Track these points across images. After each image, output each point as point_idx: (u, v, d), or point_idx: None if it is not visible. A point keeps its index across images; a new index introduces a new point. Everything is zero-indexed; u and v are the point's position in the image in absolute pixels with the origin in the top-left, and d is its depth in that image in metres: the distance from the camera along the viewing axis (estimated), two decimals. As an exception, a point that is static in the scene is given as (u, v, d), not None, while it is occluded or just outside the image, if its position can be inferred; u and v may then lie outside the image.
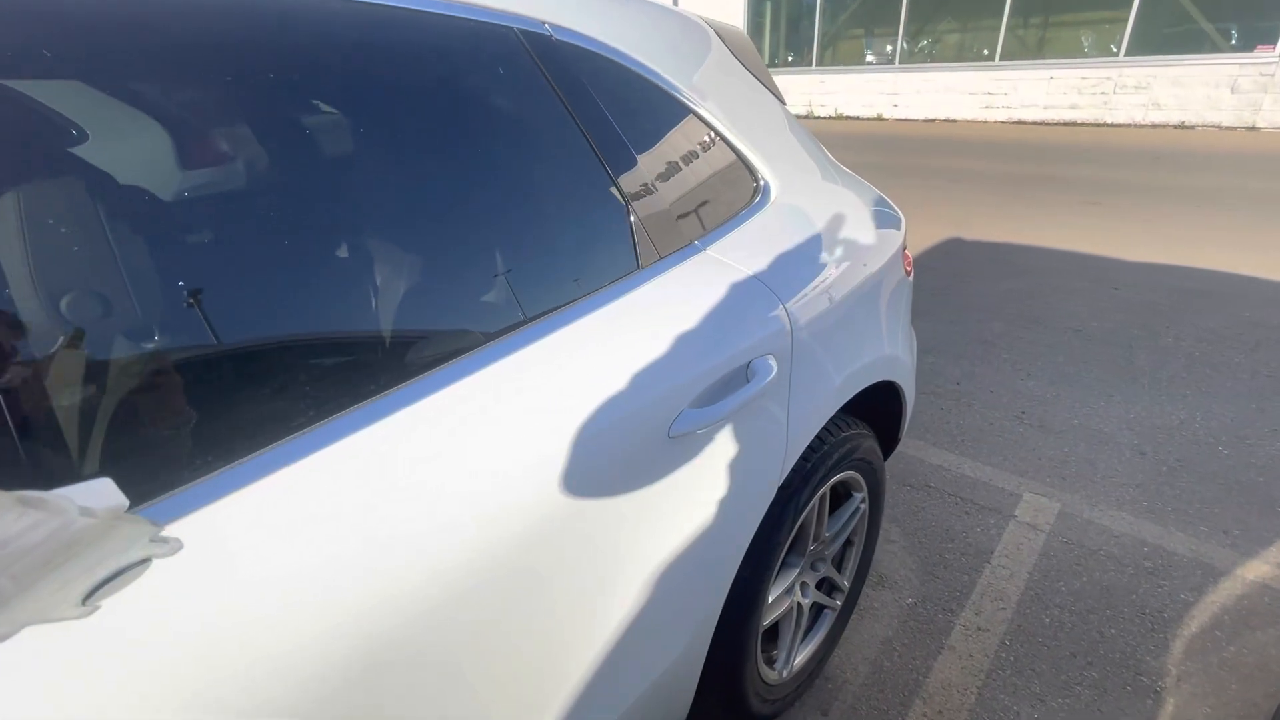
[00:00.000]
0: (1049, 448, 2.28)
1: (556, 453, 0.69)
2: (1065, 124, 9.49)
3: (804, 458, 1.11)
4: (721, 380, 0.85)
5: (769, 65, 12.53)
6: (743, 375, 0.89)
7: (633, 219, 0.85)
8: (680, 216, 0.93)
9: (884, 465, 1.48)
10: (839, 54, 12.01)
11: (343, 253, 0.63)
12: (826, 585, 1.45)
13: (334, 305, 0.60)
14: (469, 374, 0.66)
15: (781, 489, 1.04)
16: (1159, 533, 1.86)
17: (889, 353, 1.27)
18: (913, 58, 11.10)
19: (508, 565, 0.66)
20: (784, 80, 12.28)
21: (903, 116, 11.19)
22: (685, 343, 0.82)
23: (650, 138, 0.95)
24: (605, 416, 0.74)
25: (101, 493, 0.27)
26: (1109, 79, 9.06)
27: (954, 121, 10.58)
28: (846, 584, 1.49)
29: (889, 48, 11.22)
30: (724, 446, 0.87)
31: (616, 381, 0.76)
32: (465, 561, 0.62)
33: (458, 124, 0.72)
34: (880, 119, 11.37)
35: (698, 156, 1.02)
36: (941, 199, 5.65)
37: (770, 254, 1.02)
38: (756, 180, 1.11)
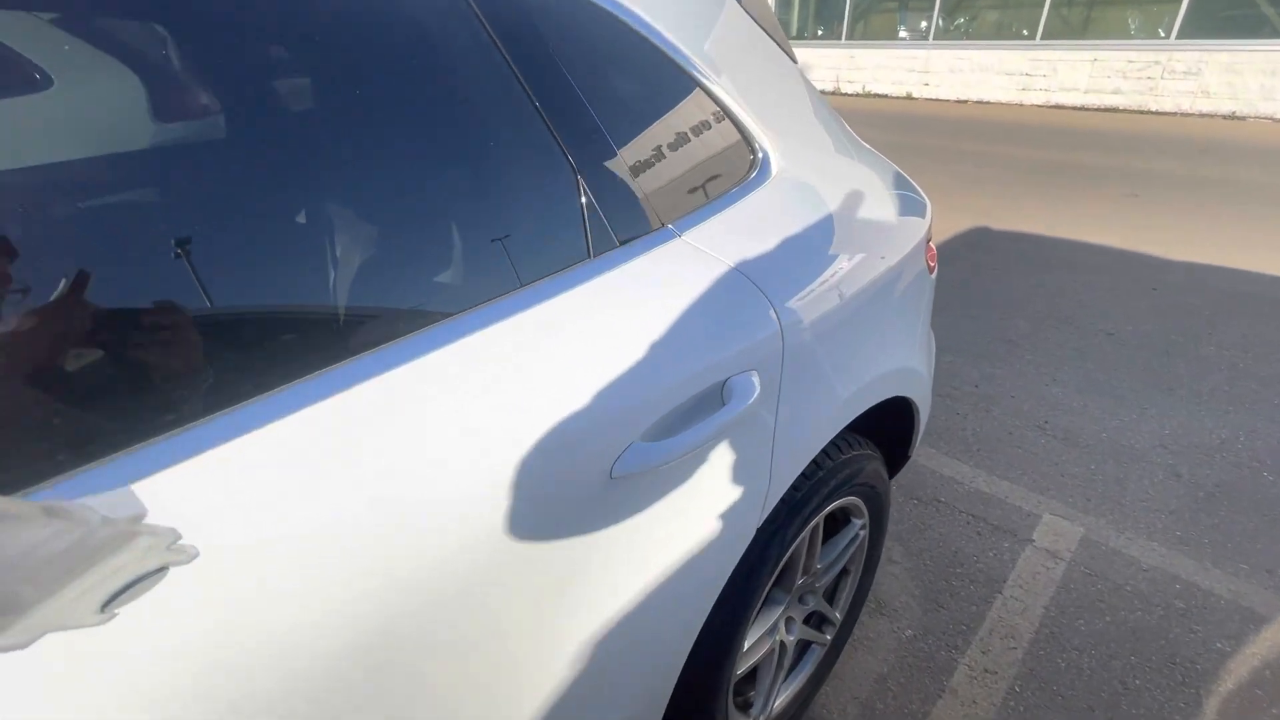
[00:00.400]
0: (1073, 463, 2.09)
1: (455, 491, 0.53)
2: (1106, 110, 9.01)
3: (794, 486, 0.94)
4: (687, 404, 0.68)
5: (797, 38, 12.05)
6: (716, 397, 0.71)
7: (585, 196, 0.67)
8: (651, 193, 0.75)
9: (889, 487, 1.30)
10: (871, 28, 11.47)
11: (200, 229, 0.46)
12: (816, 618, 1.29)
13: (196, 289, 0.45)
14: (350, 386, 0.50)
15: (765, 525, 0.87)
16: (1193, 568, 1.68)
17: (904, 364, 1.09)
18: (948, 34, 10.56)
19: (388, 635, 0.50)
20: (812, 54, 11.78)
21: (933, 96, 10.71)
22: (643, 355, 0.65)
23: (619, 95, 0.76)
24: (523, 448, 0.57)
25: (122, 501, 0.27)
26: (1157, 63, 8.54)
27: (986, 104, 10.09)
28: (839, 617, 1.32)
29: (923, 23, 10.68)
30: (686, 487, 0.70)
31: (543, 403, 0.58)
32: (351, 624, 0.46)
33: (344, 69, 0.54)
34: (909, 98, 10.90)
35: (681, 120, 0.83)
36: (969, 185, 5.35)
37: (764, 242, 0.83)
38: (754, 152, 0.92)
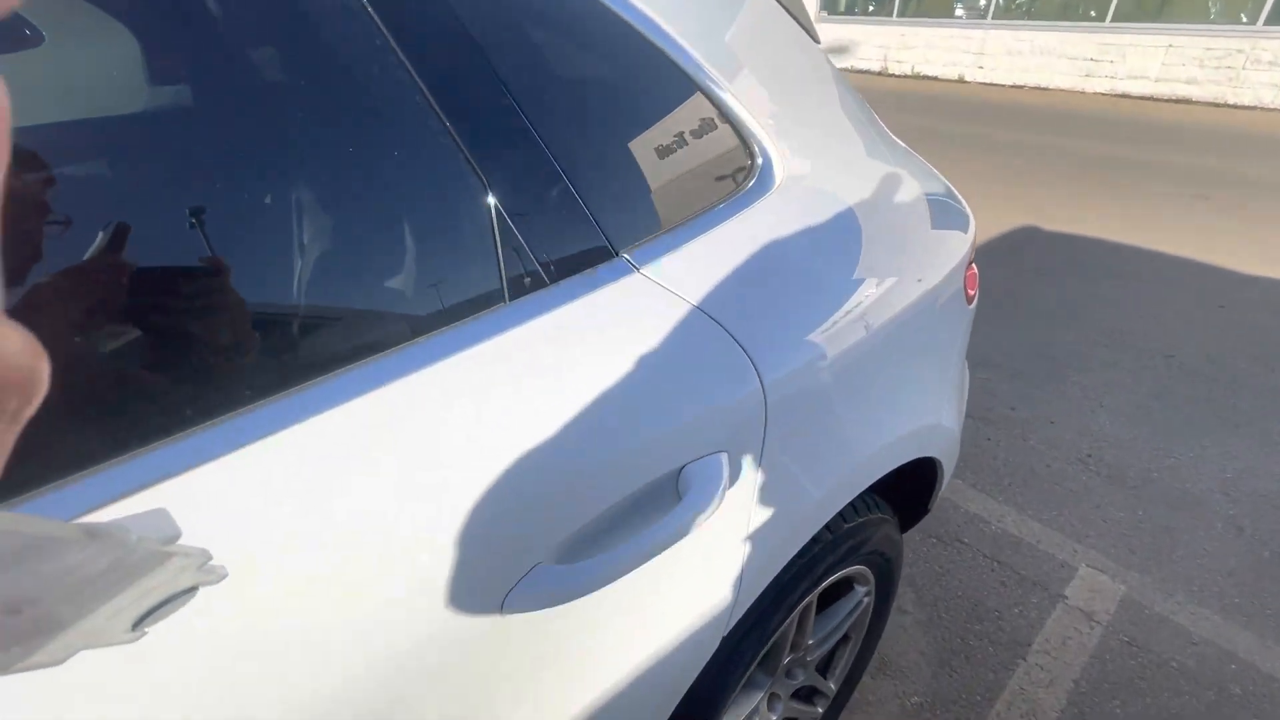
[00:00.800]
0: (1118, 506, 1.86)
1: (294, 631, 0.38)
2: (1178, 101, 8.35)
3: (783, 569, 0.77)
4: (621, 507, 0.51)
5: (846, 14, 11.47)
6: (666, 492, 0.54)
7: (499, 221, 0.50)
8: (603, 214, 0.57)
9: (902, 548, 1.12)
10: (925, 4, 10.82)
11: None
12: (806, 690, 1.13)
13: None
14: (156, 481, 0.35)
15: (735, 629, 0.70)
16: (1253, 645, 1.46)
17: (931, 421, 0.90)
18: (1008, 13, 9.90)
19: None
20: (861, 31, 11.20)
21: (988, 80, 10.09)
22: (560, 438, 0.48)
23: (567, 87, 0.58)
24: (372, 571, 0.41)
25: (157, 522, 0.27)
26: (1240, 51, 7.85)
27: (1045, 90, 9.47)
28: (834, 688, 1.16)
29: (983, 0, 10.03)
30: (618, 613, 0.53)
31: (407, 505, 0.43)
32: None
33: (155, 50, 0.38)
34: (961, 81, 10.29)
35: (658, 118, 0.65)
36: (1019, 179, 4.98)
37: (751, 274, 0.65)
38: (752, 157, 0.73)
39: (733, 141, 0.71)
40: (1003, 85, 9.91)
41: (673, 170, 0.66)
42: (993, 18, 9.97)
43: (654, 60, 0.64)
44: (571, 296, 0.53)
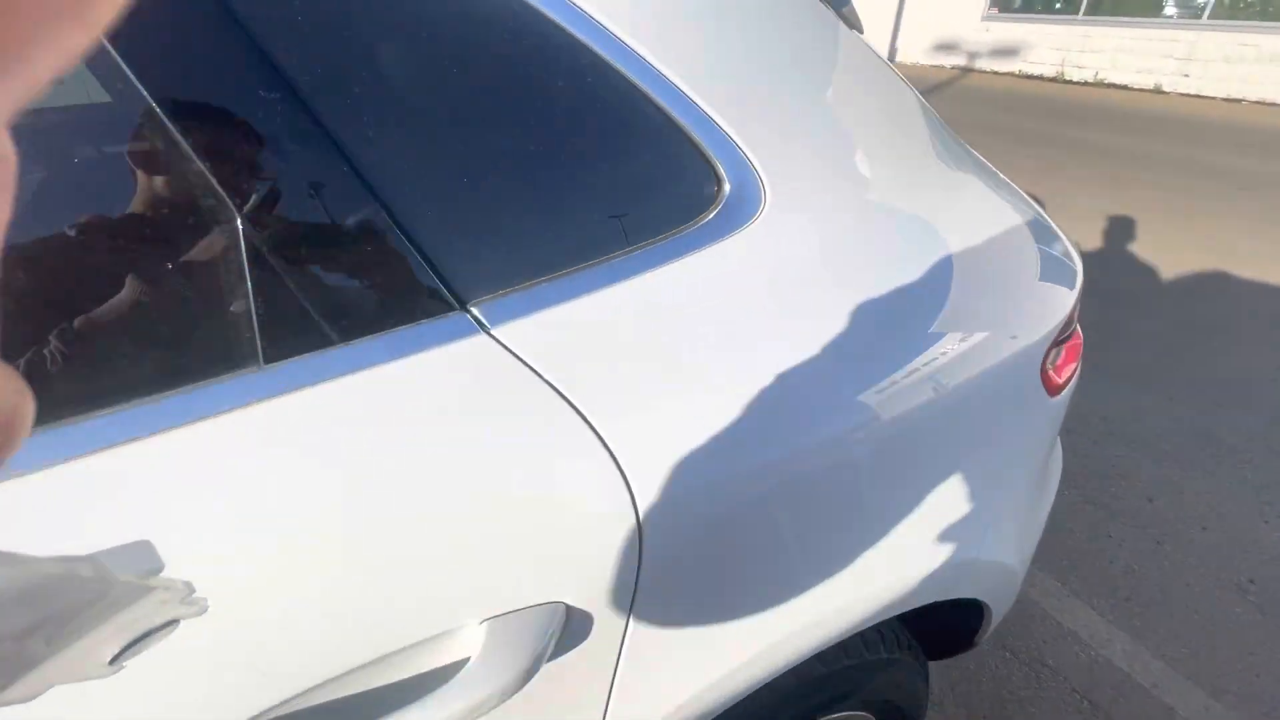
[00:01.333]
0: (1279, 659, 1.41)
1: None
2: None
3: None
4: (367, 675, 0.36)
5: (1023, 11, 10.24)
6: (453, 655, 0.38)
7: (250, 255, 0.36)
8: (441, 248, 0.42)
9: (926, 689, 0.87)
10: (1124, 1, 9.37)
11: None
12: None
13: None
14: None
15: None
16: None
17: (973, 556, 0.65)
18: (1234, 12, 8.31)
19: None
20: (1035, 31, 9.95)
21: (1192, 91, 8.55)
22: (292, 567, 0.34)
23: (396, 66, 0.43)
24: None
25: (140, 555, 0.28)
26: None
27: (1271, 105, 7.85)
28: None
29: (1199, -3, 8.51)
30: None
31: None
32: None
33: None
34: (1158, 91, 8.80)
35: (565, 119, 0.49)
36: (1211, 210, 4.11)
37: (665, 342, 0.47)
38: (718, 182, 0.54)
39: (689, 159, 0.53)
40: (1212, 98, 8.38)
41: (589, 193, 0.49)
42: (1210, 17, 8.44)
43: (565, 50, 0.48)
44: (365, 363, 0.39)
